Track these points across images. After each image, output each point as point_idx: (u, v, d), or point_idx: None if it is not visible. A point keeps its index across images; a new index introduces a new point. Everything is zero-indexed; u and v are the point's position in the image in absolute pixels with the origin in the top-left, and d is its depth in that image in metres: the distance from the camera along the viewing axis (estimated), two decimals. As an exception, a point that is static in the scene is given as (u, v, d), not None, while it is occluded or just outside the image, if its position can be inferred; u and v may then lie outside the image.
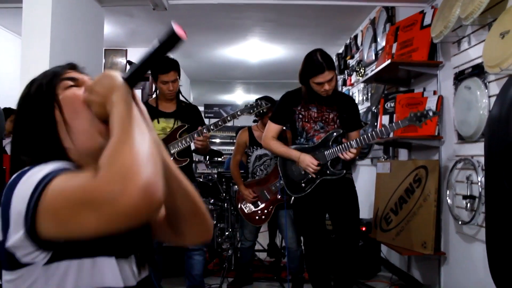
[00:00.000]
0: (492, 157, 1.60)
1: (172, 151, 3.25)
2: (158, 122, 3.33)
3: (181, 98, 3.50)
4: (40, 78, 1.01)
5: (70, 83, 1.01)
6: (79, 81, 1.03)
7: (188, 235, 1.07)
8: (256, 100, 3.66)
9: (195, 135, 3.20)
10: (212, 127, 3.22)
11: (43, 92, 0.99)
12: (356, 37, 5.82)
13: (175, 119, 3.35)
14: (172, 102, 3.43)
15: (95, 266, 0.90)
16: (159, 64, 3.24)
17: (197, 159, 7.93)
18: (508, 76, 2.45)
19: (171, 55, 3.37)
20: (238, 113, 3.30)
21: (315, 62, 2.91)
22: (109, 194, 0.71)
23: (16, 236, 0.80)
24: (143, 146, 0.77)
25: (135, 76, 0.95)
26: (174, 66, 3.31)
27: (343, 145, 2.94)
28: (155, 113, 3.33)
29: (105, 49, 6.50)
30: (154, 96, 3.52)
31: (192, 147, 3.41)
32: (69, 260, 0.87)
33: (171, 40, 0.90)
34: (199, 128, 3.20)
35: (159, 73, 3.26)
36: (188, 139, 3.23)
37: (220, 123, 3.24)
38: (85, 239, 0.78)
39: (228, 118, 3.27)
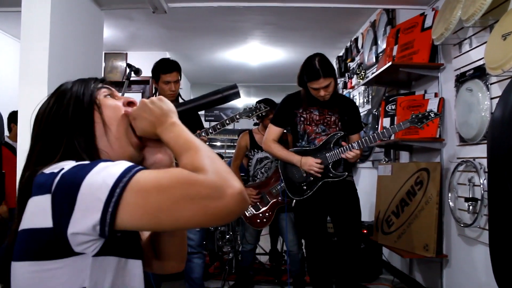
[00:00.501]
0: (495, 159, 1.59)
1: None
2: None
3: (180, 100, 3.49)
4: (73, 82, 1.08)
5: (108, 92, 1.10)
6: (114, 94, 1.12)
7: (164, 262, 1.17)
8: (256, 103, 3.66)
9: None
10: (210, 131, 3.20)
11: (83, 93, 1.05)
12: (356, 39, 5.81)
13: None
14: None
15: (126, 267, 0.94)
16: (162, 64, 3.27)
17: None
18: (510, 77, 2.44)
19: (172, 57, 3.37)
20: (237, 116, 3.25)
21: (312, 68, 2.90)
22: (216, 191, 0.79)
23: (85, 222, 0.81)
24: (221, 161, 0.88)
25: (187, 110, 1.06)
26: (177, 67, 3.30)
27: (344, 147, 2.94)
28: None
29: (105, 53, 6.52)
30: None
31: None
32: (112, 257, 0.90)
33: (231, 96, 1.05)
34: (198, 131, 3.18)
35: (162, 73, 3.24)
36: None
37: (218, 126, 3.21)
38: (165, 230, 0.91)
39: (227, 122, 3.23)
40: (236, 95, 1.05)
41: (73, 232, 0.82)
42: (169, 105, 1.03)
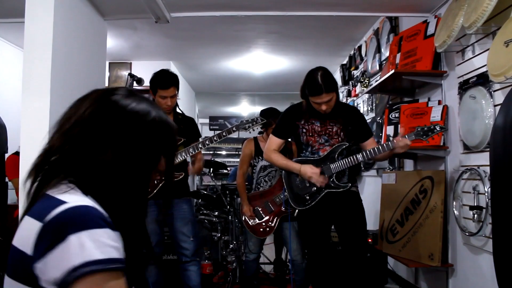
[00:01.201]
0: (497, 166, 1.57)
1: None
2: None
3: (178, 110, 3.47)
4: (156, 111, 1.05)
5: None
6: None
7: None
8: (260, 111, 3.68)
9: (191, 150, 3.19)
10: (207, 142, 3.22)
11: (164, 139, 1.06)
12: (360, 47, 5.81)
13: None
14: (169, 115, 3.39)
15: None
16: (159, 78, 3.24)
17: (202, 172, 7.93)
18: (513, 84, 2.43)
19: (172, 70, 3.36)
20: (234, 129, 3.29)
21: (314, 83, 2.87)
22: None
23: (52, 272, 0.82)
24: None
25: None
26: (174, 82, 3.27)
27: (348, 159, 2.92)
28: None
29: (109, 63, 6.56)
30: None
31: (188, 159, 3.40)
32: None
33: None
34: (194, 144, 3.21)
35: (159, 88, 3.22)
36: (184, 153, 3.19)
37: (215, 138, 3.23)
38: None
39: (224, 134, 3.26)
40: None
41: (39, 273, 0.83)
42: None
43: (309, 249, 3.18)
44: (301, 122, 3.08)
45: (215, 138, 3.22)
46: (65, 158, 0.96)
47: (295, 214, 3.29)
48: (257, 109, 11.13)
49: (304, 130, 3.08)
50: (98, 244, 0.82)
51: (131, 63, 6.84)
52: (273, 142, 3.16)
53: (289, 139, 3.47)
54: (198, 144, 3.21)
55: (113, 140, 0.96)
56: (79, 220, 0.84)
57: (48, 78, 2.81)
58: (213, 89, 8.71)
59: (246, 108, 11.87)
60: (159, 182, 3.15)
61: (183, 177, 3.35)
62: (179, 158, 3.18)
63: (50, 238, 0.83)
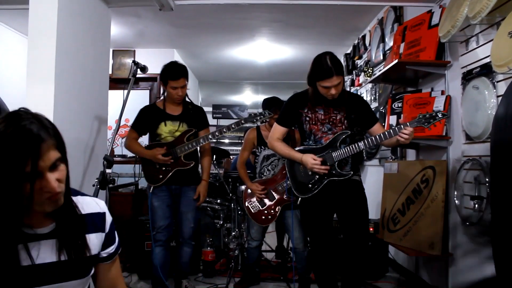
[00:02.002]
0: (497, 156, 1.58)
1: (179, 154, 3.44)
2: (165, 125, 3.51)
3: (187, 99, 3.63)
4: (10, 147, 1.08)
5: (49, 165, 1.16)
6: (56, 161, 1.18)
7: None
8: (263, 101, 3.74)
9: (201, 140, 3.43)
10: (217, 134, 3.44)
11: (21, 168, 1.09)
12: (364, 37, 5.80)
13: (180, 122, 3.53)
14: (179, 105, 3.58)
15: None
16: (170, 69, 3.43)
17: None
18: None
19: (181, 61, 3.50)
20: (242, 121, 3.48)
21: (323, 66, 2.87)
22: None
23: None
24: None
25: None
26: (184, 73, 3.46)
27: (350, 147, 2.93)
28: (162, 116, 3.53)
29: (113, 50, 6.57)
30: (162, 98, 3.63)
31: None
32: None
33: None
34: (204, 135, 3.46)
35: (169, 79, 3.41)
36: (194, 143, 3.43)
37: (225, 130, 3.43)
38: None
39: (233, 126, 3.46)
40: None
41: None
42: None
43: (311, 237, 3.21)
44: (304, 110, 3.09)
45: (224, 130, 3.43)
46: None
47: (298, 202, 3.31)
48: (260, 98, 11.12)
49: (307, 118, 3.08)
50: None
51: (134, 51, 6.85)
52: (277, 130, 3.17)
53: (293, 128, 3.49)
54: (208, 135, 3.42)
55: None
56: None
57: (52, 65, 2.82)
58: (216, 77, 8.71)
59: (249, 97, 11.87)
60: (170, 169, 3.44)
61: (193, 165, 3.54)
62: (189, 148, 3.42)
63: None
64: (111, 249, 1.41)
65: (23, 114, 1.12)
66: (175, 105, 3.56)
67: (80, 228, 1.27)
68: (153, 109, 3.60)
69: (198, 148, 3.59)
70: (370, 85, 5.42)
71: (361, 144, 2.91)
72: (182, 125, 3.52)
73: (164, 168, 3.46)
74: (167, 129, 3.51)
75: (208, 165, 3.71)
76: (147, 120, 3.56)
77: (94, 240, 1.31)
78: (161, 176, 3.47)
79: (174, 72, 3.42)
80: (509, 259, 1.55)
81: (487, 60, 2.81)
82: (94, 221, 1.32)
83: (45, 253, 1.20)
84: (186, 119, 3.55)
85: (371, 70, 5.26)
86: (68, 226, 1.23)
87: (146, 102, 7.00)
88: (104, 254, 1.38)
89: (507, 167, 1.50)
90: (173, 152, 3.44)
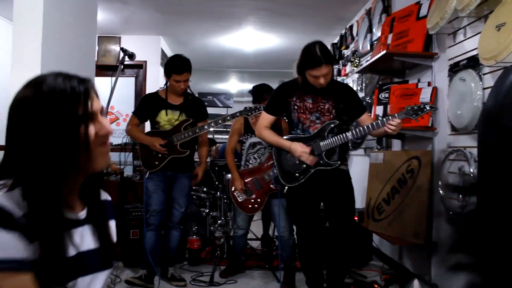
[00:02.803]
0: (485, 147, 1.61)
1: (175, 142, 3.58)
2: (166, 114, 3.67)
3: (188, 91, 3.79)
4: (60, 89, 1.00)
5: (99, 103, 1.07)
6: (103, 109, 1.09)
7: None
8: (253, 88, 3.82)
9: (197, 130, 3.56)
10: (212, 124, 3.60)
11: (74, 110, 1.00)
12: (351, 27, 5.81)
13: (181, 112, 3.69)
14: (181, 96, 3.75)
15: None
16: (174, 63, 3.59)
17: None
18: (503, 68, 2.46)
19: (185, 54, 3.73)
20: (237, 114, 3.62)
21: (313, 55, 2.88)
22: None
23: None
24: None
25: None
26: (188, 68, 3.61)
27: (338, 136, 2.95)
28: (163, 104, 3.70)
29: (98, 36, 6.47)
30: (164, 87, 3.78)
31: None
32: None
33: None
34: (200, 124, 3.61)
35: (173, 73, 3.57)
36: (190, 133, 3.57)
37: (220, 121, 3.60)
38: None
39: (228, 118, 3.68)
40: None
41: None
42: None
43: (298, 226, 3.23)
44: (293, 99, 3.10)
45: (220, 121, 3.59)
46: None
47: (285, 191, 3.33)
48: (246, 86, 11.10)
49: (295, 107, 3.09)
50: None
51: (120, 37, 6.77)
52: (265, 118, 3.18)
53: (280, 117, 3.50)
54: (203, 126, 3.57)
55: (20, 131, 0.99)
56: None
57: (38, 52, 2.78)
58: (202, 65, 8.65)
59: (235, 85, 11.83)
60: (167, 156, 3.58)
61: (188, 154, 3.66)
62: (185, 137, 3.56)
63: None
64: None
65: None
66: (177, 95, 3.71)
67: (106, 213, 1.22)
68: (155, 97, 3.76)
69: (198, 139, 3.78)
70: (356, 75, 5.44)
71: (348, 134, 2.94)
72: (182, 115, 3.67)
73: (160, 155, 3.60)
74: (166, 118, 3.67)
75: (206, 154, 3.95)
76: (148, 107, 3.73)
77: (113, 227, 1.25)
78: (156, 163, 3.61)
79: (178, 66, 3.58)
80: (495, 246, 1.59)
81: (474, 52, 2.84)
82: (109, 208, 1.26)
83: (86, 240, 1.11)
84: (186, 109, 3.70)
85: (358, 60, 5.28)
86: (100, 210, 1.17)
87: (132, 90, 6.94)
88: None
89: (495, 156, 1.53)
90: (170, 140, 3.57)
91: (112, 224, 1.24)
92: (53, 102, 0.98)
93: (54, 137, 0.97)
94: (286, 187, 3.20)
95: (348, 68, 5.73)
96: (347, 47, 5.99)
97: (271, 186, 3.70)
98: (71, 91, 1.00)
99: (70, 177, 1.03)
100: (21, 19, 2.82)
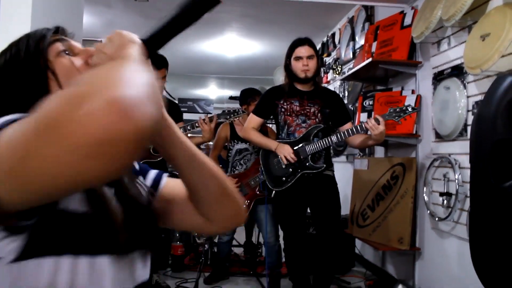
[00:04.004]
0: (478, 154, 1.65)
1: (148, 146, 3.30)
2: None
3: (164, 93, 3.57)
4: (22, 42, 0.83)
5: (62, 47, 0.84)
6: (74, 48, 0.86)
7: (217, 219, 0.93)
8: (241, 91, 3.83)
9: None
10: (189, 128, 3.33)
11: (31, 57, 0.80)
12: (333, 35, 5.88)
13: None
14: None
15: (77, 265, 0.69)
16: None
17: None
18: (488, 76, 2.54)
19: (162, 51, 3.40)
20: (214, 116, 3.38)
21: (299, 38, 3.13)
22: (66, 113, 0.47)
23: None
24: (139, 77, 0.54)
25: (157, 38, 0.76)
26: (164, 63, 3.41)
27: (323, 140, 3.00)
28: None
29: (82, 40, 6.39)
30: None
31: None
32: (44, 258, 0.66)
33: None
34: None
35: None
36: None
37: (196, 124, 3.33)
38: (57, 195, 0.56)
39: (205, 121, 3.34)
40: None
41: None
42: (122, 37, 0.75)
43: (285, 231, 3.25)
44: (280, 102, 3.15)
45: (196, 125, 3.33)
46: None
47: (272, 195, 3.34)
48: (225, 92, 11.09)
49: (283, 110, 3.14)
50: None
51: (101, 41, 6.69)
52: (253, 120, 3.22)
53: (267, 123, 3.53)
54: (180, 128, 3.29)
55: None
56: None
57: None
58: (183, 70, 8.62)
59: (214, 91, 11.82)
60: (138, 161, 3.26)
61: (161, 159, 3.41)
62: None
63: None
64: None
65: None
66: None
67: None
68: None
69: None
70: (338, 83, 5.50)
71: (333, 137, 2.99)
72: None
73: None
74: None
75: None
76: None
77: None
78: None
79: (154, 62, 3.35)
80: (487, 252, 1.63)
81: (458, 61, 2.91)
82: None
83: None
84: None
85: (340, 67, 5.35)
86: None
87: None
88: None
89: (488, 164, 1.57)
90: None
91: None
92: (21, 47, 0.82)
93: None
94: (274, 192, 3.22)
95: (330, 75, 5.79)
96: (329, 55, 6.06)
97: (257, 192, 3.70)
98: (37, 32, 0.85)
99: None
100: (9, 20, 2.77)
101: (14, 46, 0.83)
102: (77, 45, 0.87)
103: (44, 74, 0.80)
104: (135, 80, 0.52)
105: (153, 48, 0.77)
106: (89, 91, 0.48)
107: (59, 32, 0.88)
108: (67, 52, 0.84)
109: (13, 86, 0.80)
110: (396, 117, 2.90)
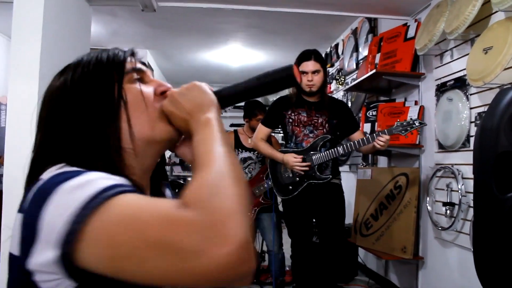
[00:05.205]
0: (482, 166, 1.70)
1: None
2: None
3: None
4: (92, 62, 0.81)
5: (136, 76, 0.83)
6: (145, 76, 0.85)
7: None
8: (245, 105, 3.85)
9: None
10: None
11: (106, 83, 0.78)
12: (337, 45, 5.94)
13: None
14: None
15: None
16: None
17: (173, 161, 7.93)
18: (490, 89, 2.58)
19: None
20: None
21: (304, 52, 3.13)
22: (200, 243, 0.54)
23: (43, 256, 0.60)
24: (240, 189, 0.62)
25: (230, 99, 0.83)
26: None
27: (330, 151, 3.04)
28: None
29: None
30: None
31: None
32: None
33: (287, 81, 0.81)
34: None
35: None
36: None
37: None
38: (135, 284, 0.59)
39: None
40: (291, 80, 0.80)
41: (33, 268, 0.62)
42: (204, 95, 0.79)
43: (293, 239, 3.29)
44: (288, 112, 3.20)
45: None
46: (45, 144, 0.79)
47: (279, 203, 3.39)
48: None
49: (290, 120, 3.19)
50: (86, 186, 0.62)
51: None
52: (261, 131, 3.28)
53: (272, 133, 3.58)
54: None
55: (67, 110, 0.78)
56: (48, 185, 0.64)
57: (37, 64, 2.78)
58: (188, 79, 8.53)
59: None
60: None
61: (160, 164, 3.48)
62: None
63: (28, 221, 0.63)
64: None
65: None
66: None
67: None
68: None
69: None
70: (341, 93, 5.55)
71: (340, 148, 3.03)
72: None
73: None
74: None
75: None
76: None
77: None
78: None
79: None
80: (491, 262, 1.67)
81: (461, 73, 2.96)
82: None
83: None
84: None
85: (343, 78, 5.41)
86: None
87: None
88: None
89: (492, 175, 1.61)
90: None
91: None
92: (91, 70, 0.81)
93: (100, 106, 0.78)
94: (281, 200, 3.27)
95: (333, 85, 5.85)
96: (332, 65, 6.11)
97: (261, 200, 3.74)
98: (111, 55, 0.83)
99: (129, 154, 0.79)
100: (20, 31, 2.82)
101: (85, 67, 0.81)
102: (149, 73, 0.87)
103: (117, 103, 0.78)
104: (242, 200, 0.61)
105: (223, 106, 0.83)
106: (219, 229, 0.55)
107: (133, 55, 0.85)
108: (139, 79, 0.83)
109: (79, 109, 0.77)
110: (403, 131, 2.93)
